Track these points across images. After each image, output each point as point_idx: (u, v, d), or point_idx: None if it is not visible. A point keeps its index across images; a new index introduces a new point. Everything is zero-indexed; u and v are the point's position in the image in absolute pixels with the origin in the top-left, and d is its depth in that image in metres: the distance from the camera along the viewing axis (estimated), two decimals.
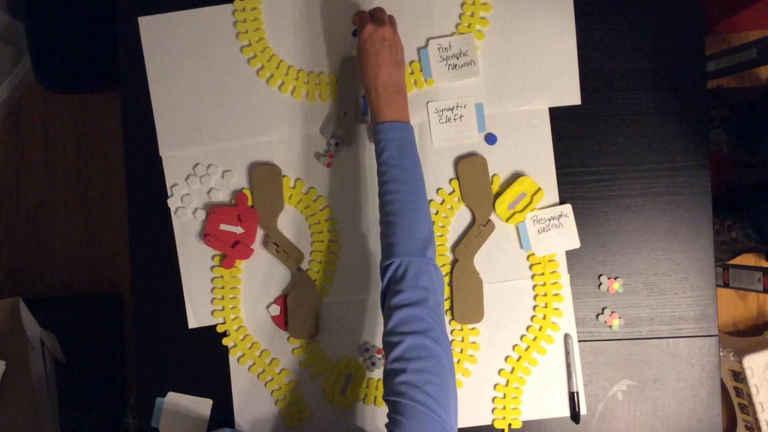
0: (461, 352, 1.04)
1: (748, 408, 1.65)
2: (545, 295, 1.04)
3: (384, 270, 0.83)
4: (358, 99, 1.05)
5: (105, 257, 1.97)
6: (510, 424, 1.03)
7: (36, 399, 1.29)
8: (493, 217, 1.04)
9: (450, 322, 1.04)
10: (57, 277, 1.97)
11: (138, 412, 1.07)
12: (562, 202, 1.04)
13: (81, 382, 1.69)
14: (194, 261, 1.07)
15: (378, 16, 0.97)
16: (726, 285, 1.59)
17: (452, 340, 1.04)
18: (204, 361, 1.06)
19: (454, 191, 1.05)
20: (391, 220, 0.85)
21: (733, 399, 1.70)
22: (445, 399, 0.74)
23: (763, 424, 1.60)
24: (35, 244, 1.98)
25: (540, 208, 1.04)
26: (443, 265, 1.04)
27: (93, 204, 1.98)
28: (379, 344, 1.05)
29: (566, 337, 1.04)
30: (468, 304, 1.03)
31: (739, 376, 1.65)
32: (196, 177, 1.07)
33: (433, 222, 0.95)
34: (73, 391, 1.60)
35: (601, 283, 1.04)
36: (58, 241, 1.98)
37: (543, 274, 1.04)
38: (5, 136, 1.99)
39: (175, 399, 1.06)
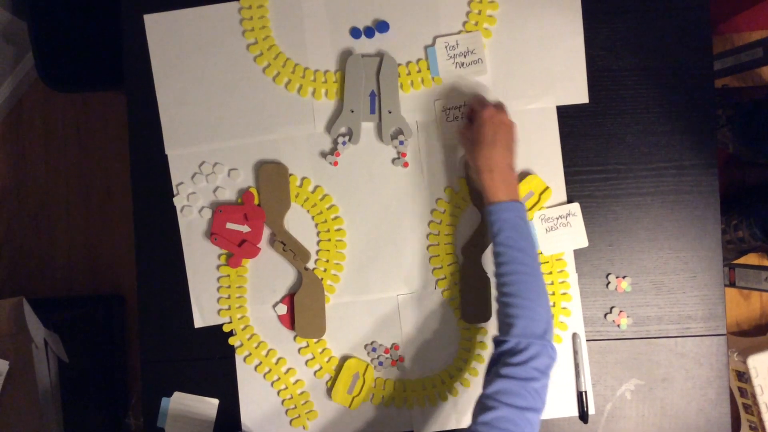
0: (468, 352, 1.03)
1: (753, 408, 1.64)
2: (553, 294, 1.03)
3: (499, 343, 0.84)
4: (365, 97, 1.04)
5: (106, 257, 1.96)
6: None
7: (40, 399, 1.29)
8: None
9: (458, 322, 1.04)
10: (58, 278, 1.96)
11: (144, 412, 1.06)
12: (569, 200, 1.04)
13: (82, 382, 1.68)
14: (200, 260, 1.06)
15: (497, 105, 0.97)
16: (732, 284, 1.58)
17: (459, 340, 1.04)
18: (210, 360, 1.06)
19: (461, 190, 1.04)
20: (512, 301, 0.85)
21: (738, 399, 1.70)
22: None
23: (767, 424, 1.60)
24: (36, 244, 1.97)
25: (548, 207, 1.03)
26: (450, 264, 1.04)
27: (94, 204, 1.97)
28: (386, 344, 1.04)
29: (574, 336, 1.03)
30: (476, 303, 1.03)
31: (743, 376, 1.64)
32: (202, 175, 1.06)
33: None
34: (74, 391, 1.59)
35: (609, 282, 1.04)
36: (59, 241, 1.97)
37: (551, 273, 1.03)
38: (6, 135, 1.98)
39: (181, 399, 1.05)
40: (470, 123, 0.99)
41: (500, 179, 0.91)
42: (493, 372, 0.82)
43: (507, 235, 0.88)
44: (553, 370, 0.83)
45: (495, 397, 0.78)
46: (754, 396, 1.61)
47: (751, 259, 1.76)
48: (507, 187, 0.91)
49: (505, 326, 0.85)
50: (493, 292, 0.93)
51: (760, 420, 1.62)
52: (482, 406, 0.79)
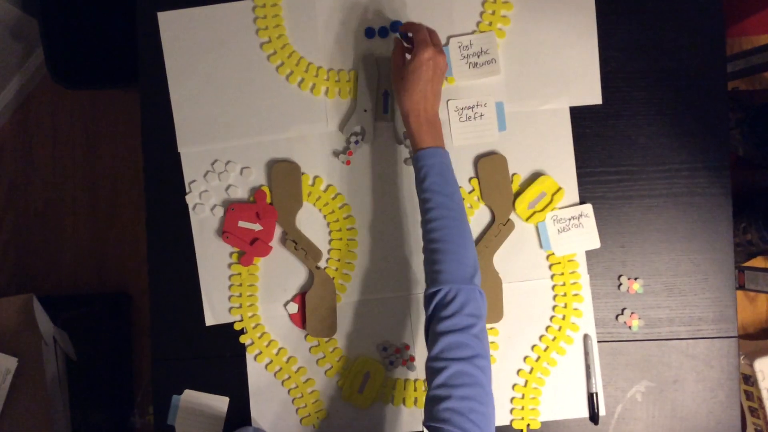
0: None
1: (759, 411, 1.64)
2: (565, 295, 1.03)
3: (430, 297, 0.83)
4: (378, 97, 1.05)
5: (113, 255, 1.96)
6: (528, 425, 1.03)
7: (49, 396, 1.28)
8: (512, 216, 1.04)
9: None
10: (65, 275, 1.96)
11: (154, 409, 1.06)
12: (582, 201, 1.04)
13: (89, 380, 1.68)
14: (212, 258, 1.06)
15: (436, 41, 0.94)
16: (741, 287, 1.58)
17: None
18: (221, 358, 1.06)
19: (473, 190, 1.04)
20: (438, 247, 0.84)
21: (743, 402, 1.70)
22: (488, 427, 0.75)
23: None
24: (43, 241, 1.97)
25: (560, 208, 1.03)
26: None
27: (101, 202, 1.97)
28: (397, 343, 1.04)
29: (585, 337, 1.03)
30: (487, 303, 1.02)
31: (749, 379, 1.64)
32: (214, 173, 1.06)
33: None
34: (81, 389, 1.59)
35: (621, 284, 1.04)
36: (66, 238, 1.97)
37: (563, 274, 1.03)
38: (14, 133, 1.98)
39: (191, 397, 1.05)
40: (403, 55, 0.97)
41: (427, 125, 0.90)
42: (431, 332, 0.81)
43: (432, 180, 0.88)
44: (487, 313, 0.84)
45: (441, 357, 0.78)
46: (760, 399, 1.61)
47: (760, 262, 1.76)
48: (434, 134, 0.91)
49: (433, 274, 0.84)
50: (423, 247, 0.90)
51: (766, 423, 1.62)
52: (431, 369, 0.79)
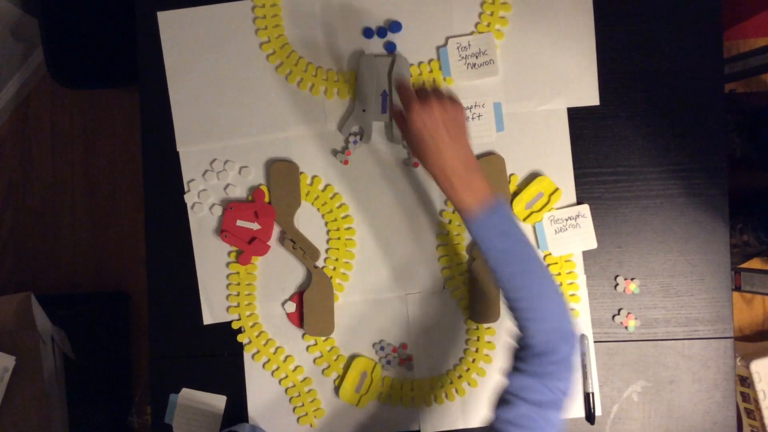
0: (476, 351, 1.04)
1: (755, 413, 1.65)
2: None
3: (520, 341, 0.81)
4: (377, 96, 1.05)
5: (111, 255, 1.96)
6: None
7: (47, 395, 1.29)
8: None
9: (466, 321, 1.04)
10: (62, 274, 1.96)
11: (152, 408, 1.06)
12: (579, 202, 1.04)
13: (87, 379, 1.68)
14: (210, 257, 1.06)
15: (425, 92, 0.85)
16: (738, 288, 1.59)
17: (467, 340, 1.04)
18: (218, 357, 1.06)
19: None
20: (520, 306, 0.80)
21: (740, 404, 1.70)
22: None
23: None
24: (42, 240, 1.97)
25: (557, 208, 1.04)
26: (459, 264, 1.04)
27: (100, 201, 1.97)
28: (395, 343, 1.04)
29: (582, 337, 1.04)
30: (484, 303, 1.03)
31: (746, 381, 1.65)
32: (213, 173, 1.07)
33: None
34: (78, 388, 1.59)
35: (617, 284, 1.04)
36: (64, 238, 1.97)
37: (560, 274, 1.04)
38: (13, 132, 1.99)
39: (189, 395, 1.05)
40: (404, 119, 0.87)
41: (459, 183, 0.81)
42: (514, 365, 0.80)
43: (489, 245, 0.82)
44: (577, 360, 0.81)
45: (515, 393, 0.77)
46: (756, 401, 1.62)
47: (756, 263, 1.77)
48: (471, 189, 0.81)
49: (521, 327, 0.81)
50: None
51: (763, 425, 1.62)
52: (502, 400, 0.78)
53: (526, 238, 0.82)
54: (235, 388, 1.05)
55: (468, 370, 1.04)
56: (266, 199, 1.05)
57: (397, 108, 0.91)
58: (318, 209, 1.06)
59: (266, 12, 1.06)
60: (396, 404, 1.04)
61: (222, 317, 1.06)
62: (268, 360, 1.05)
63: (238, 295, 1.06)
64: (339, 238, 1.05)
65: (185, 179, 1.07)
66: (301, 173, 1.06)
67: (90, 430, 1.69)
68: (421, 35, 1.06)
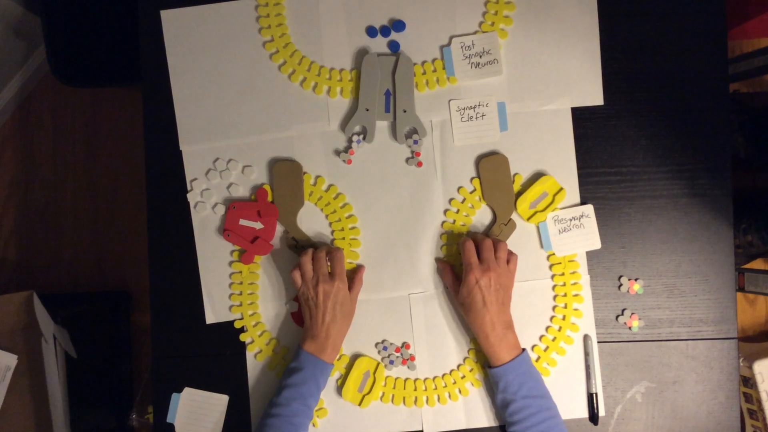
0: (479, 352, 1.03)
1: (758, 414, 1.65)
2: (565, 295, 1.03)
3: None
4: (380, 96, 1.05)
5: (113, 254, 1.96)
6: None
7: (48, 393, 1.28)
8: (514, 216, 1.04)
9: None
10: (64, 273, 1.97)
11: (154, 407, 1.06)
12: (583, 202, 1.04)
13: (88, 378, 1.68)
14: (213, 256, 1.06)
15: (485, 256, 0.96)
16: (741, 289, 1.59)
17: (470, 339, 1.04)
18: (221, 356, 1.06)
19: (475, 190, 1.04)
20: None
21: (742, 405, 1.70)
22: None
23: None
24: (44, 239, 1.97)
25: (561, 208, 1.04)
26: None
27: (102, 200, 1.97)
28: (397, 342, 1.04)
29: (585, 338, 1.03)
30: None
31: (748, 381, 1.65)
32: (216, 172, 1.06)
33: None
34: (80, 386, 1.59)
35: (621, 284, 1.04)
36: (66, 236, 1.97)
37: (563, 274, 1.03)
38: (15, 131, 1.99)
39: (191, 395, 1.05)
40: (455, 279, 1.00)
41: (496, 340, 0.94)
42: None
43: (513, 392, 0.93)
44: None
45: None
46: (759, 402, 1.61)
47: (760, 264, 1.76)
48: (506, 345, 0.95)
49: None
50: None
51: (765, 426, 1.62)
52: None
53: (543, 385, 0.96)
54: (237, 387, 1.05)
55: (471, 370, 1.03)
56: (269, 199, 1.05)
57: (443, 263, 1.03)
58: (321, 209, 1.06)
59: (270, 11, 1.06)
60: (399, 404, 1.04)
61: (224, 316, 1.06)
62: (271, 359, 1.05)
63: (240, 294, 1.05)
64: (342, 238, 1.05)
65: (188, 178, 1.07)
66: (305, 173, 1.06)
67: (91, 429, 1.69)
68: (425, 34, 1.05)
